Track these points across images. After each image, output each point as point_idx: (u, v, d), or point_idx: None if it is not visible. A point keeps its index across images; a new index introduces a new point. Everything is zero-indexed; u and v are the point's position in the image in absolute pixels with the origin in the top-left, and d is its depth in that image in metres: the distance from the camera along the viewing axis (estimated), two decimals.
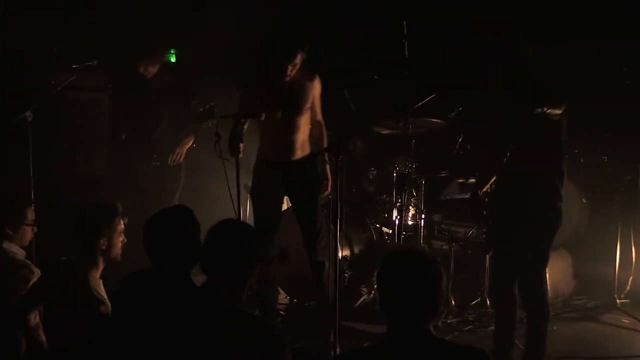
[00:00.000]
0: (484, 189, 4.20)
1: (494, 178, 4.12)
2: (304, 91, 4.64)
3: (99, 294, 3.47)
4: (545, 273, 4.20)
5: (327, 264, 4.61)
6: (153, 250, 2.99)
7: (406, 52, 6.32)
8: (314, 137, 4.82)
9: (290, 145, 4.67)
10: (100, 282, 3.56)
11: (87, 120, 6.52)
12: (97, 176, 6.44)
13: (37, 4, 6.50)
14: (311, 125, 4.79)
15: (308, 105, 4.67)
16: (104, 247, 3.52)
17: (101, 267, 3.58)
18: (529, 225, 4.02)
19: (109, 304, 3.38)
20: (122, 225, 3.61)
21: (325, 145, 4.75)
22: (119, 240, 3.59)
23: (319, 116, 4.81)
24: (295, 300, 5.72)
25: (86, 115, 6.49)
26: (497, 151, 4.00)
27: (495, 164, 4.03)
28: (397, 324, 2.39)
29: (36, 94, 4.87)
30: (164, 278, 3.00)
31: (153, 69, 5.59)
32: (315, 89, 4.70)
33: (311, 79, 4.67)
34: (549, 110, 3.75)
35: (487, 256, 5.17)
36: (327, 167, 4.72)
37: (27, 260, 3.98)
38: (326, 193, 4.71)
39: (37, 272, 3.84)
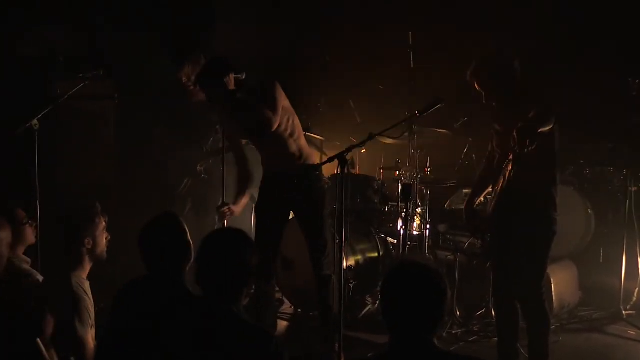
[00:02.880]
0: (479, 200, 4.22)
1: (489, 189, 4.13)
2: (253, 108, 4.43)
3: (81, 290, 3.53)
4: (543, 283, 4.14)
5: (333, 277, 4.59)
6: (146, 257, 3.08)
7: (412, 63, 6.33)
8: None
9: (284, 157, 4.58)
10: (87, 282, 3.62)
11: (93, 129, 6.55)
12: (103, 184, 6.46)
13: (45, 13, 6.55)
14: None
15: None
16: (89, 246, 3.62)
17: (88, 266, 3.66)
18: (525, 235, 4.02)
19: (88, 300, 3.51)
20: (104, 223, 3.70)
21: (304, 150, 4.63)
22: (103, 237, 3.69)
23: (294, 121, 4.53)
24: (299, 310, 5.72)
25: (92, 124, 6.52)
26: (499, 162, 4.03)
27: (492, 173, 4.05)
28: (400, 335, 2.39)
29: (43, 103, 4.88)
30: (159, 286, 3.02)
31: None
32: (265, 95, 4.39)
33: (254, 93, 4.43)
34: (540, 130, 3.74)
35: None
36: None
37: (32, 269, 4.00)
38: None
39: (41, 279, 3.88)
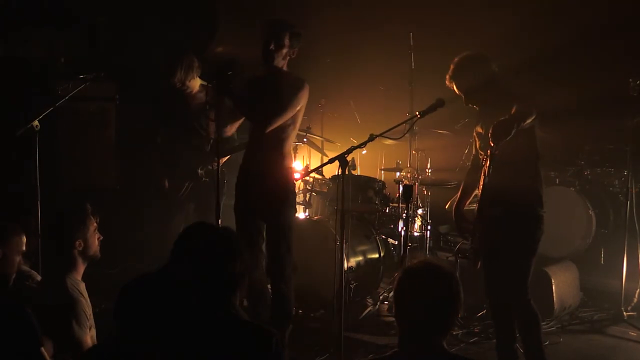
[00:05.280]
0: (468, 201, 4.20)
1: (476, 191, 4.12)
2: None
3: (76, 291, 3.52)
4: (528, 283, 4.08)
5: (287, 296, 4.49)
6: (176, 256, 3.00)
7: (412, 63, 6.34)
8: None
9: (253, 152, 4.53)
10: (83, 284, 3.62)
11: (94, 130, 6.56)
12: (103, 186, 6.47)
13: (46, 14, 6.56)
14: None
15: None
16: (80, 248, 3.61)
17: (81, 267, 3.65)
18: (509, 233, 4.00)
19: (84, 302, 3.50)
20: (95, 224, 3.69)
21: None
22: (95, 238, 3.68)
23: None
24: (300, 311, 5.71)
25: (93, 125, 6.54)
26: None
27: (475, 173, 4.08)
28: (410, 336, 2.39)
29: (43, 104, 4.89)
30: (165, 284, 3.00)
31: (193, 84, 5.38)
32: (288, 92, 4.36)
33: (276, 82, 4.42)
34: (520, 124, 3.73)
35: None
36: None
37: (31, 270, 4.00)
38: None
39: (38, 278, 3.92)
